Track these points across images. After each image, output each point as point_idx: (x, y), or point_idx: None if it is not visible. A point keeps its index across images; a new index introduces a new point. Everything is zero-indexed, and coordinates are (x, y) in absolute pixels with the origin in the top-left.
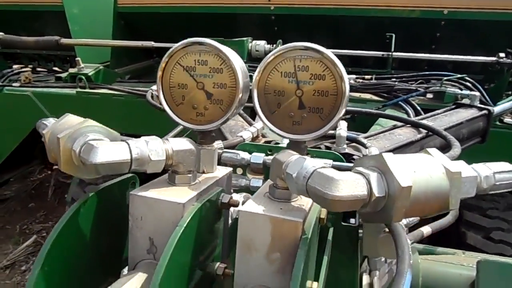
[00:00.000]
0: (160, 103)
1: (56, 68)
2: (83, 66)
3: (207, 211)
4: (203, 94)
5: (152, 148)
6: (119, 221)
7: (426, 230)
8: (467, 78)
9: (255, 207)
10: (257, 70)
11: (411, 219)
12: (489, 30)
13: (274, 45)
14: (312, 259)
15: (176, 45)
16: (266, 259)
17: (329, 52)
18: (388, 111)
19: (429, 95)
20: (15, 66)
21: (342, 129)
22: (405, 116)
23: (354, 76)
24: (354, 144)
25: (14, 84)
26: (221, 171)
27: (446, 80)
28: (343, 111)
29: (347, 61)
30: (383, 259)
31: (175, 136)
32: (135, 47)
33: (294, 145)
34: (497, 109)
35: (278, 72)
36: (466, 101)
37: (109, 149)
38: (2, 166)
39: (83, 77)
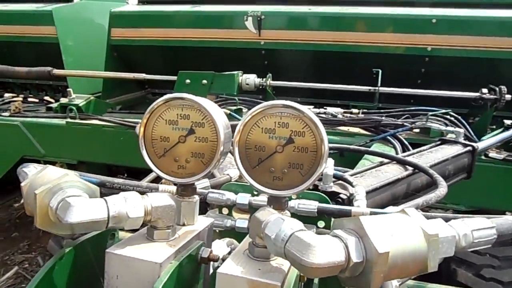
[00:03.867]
0: (142, 157)
1: (47, 98)
2: (74, 96)
3: (185, 268)
4: (185, 147)
5: (131, 205)
6: (96, 277)
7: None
8: (451, 113)
9: (233, 268)
10: (239, 125)
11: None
12: (472, 67)
13: (264, 79)
14: None
15: (158, 100)
16: None
17: (308, 111)
18: (376, 146)
19: (416, 130)
20: (6, 95)
21: (329, 167)
22: (392, 150)
23: (341, 110)
24: (340, 182)
25: (3, 114)
26: (202, 223)
27: (432, 115)
28: (323, 167)
29: (336, 95)
30: None
31: (152, 180)
32: (127, 78)
33: (274, 201)
34: (481, 145)
35: (259, 128)
36: (451, 136)
37: (86, 207)
38: None
39: (74, 108)
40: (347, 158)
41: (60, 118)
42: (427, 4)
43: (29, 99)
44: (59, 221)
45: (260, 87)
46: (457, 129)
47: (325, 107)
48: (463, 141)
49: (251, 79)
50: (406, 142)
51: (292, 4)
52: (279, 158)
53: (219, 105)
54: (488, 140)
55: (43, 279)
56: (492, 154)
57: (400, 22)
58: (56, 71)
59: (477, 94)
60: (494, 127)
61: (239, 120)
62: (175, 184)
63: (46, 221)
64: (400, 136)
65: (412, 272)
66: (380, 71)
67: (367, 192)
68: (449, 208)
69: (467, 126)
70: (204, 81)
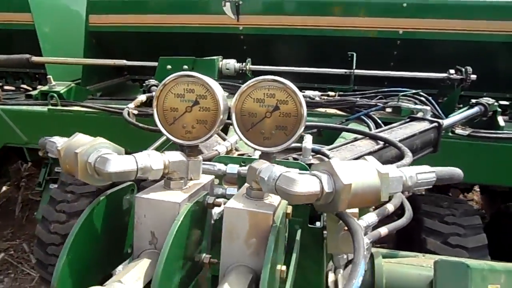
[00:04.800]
0: (155, 124)
1: (24, 86)
2: (55, 83)
3: (196, 210)
4: (191, 116)
5: (153, 160)
6: (121, 221)
7: (383, 230)
8: (421, 93)
9: (237, 204)
10: (235, 96)
11: (370, 221)
12: (441, 49)
13: (244, 63)
14: (281, 245)
15: (169, 77)
16: (245, 244)
17: (290, 84)
18: (351, 125)
19: (388, 110)
20: None
21: (308, 142)
22: (366, 129)
23: (319, 93)
24: (318, 155)
25: None
26: (205, 178)
27: (402, 95)
28: (302, 128)
29: (313, 78)
30: (345, 256)
31: (156, 149)
32: (108, 65)
33: (265, 156)
34: (446, 121)
35: (251, 99)
36: (420, 114)
37: (120, 160)
38: None
39: (55, 95)
40: (325, 137)
41: (41, 106)
42: None
43: (6, 87)
44: (97, 174)
45: (240, 71)
46: (425, 107)
47: (303, 91)
48: (430, 118)
49: (231, 64)
50: (379, 121)
51: None
52: (268, 122)
53: None
54: (453, 118)
55: (87, 218)
56: (458, 130)
57: (373, 6)
58: (35, 58)
59: (445, 74)
60: (461, 106)
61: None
62: (182, 146)
63: (85, 174)
64: (373, 116)
65: (370, 202)
66: (355, 54)
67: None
68: None
69: (435, 105)
70: (185, 67)
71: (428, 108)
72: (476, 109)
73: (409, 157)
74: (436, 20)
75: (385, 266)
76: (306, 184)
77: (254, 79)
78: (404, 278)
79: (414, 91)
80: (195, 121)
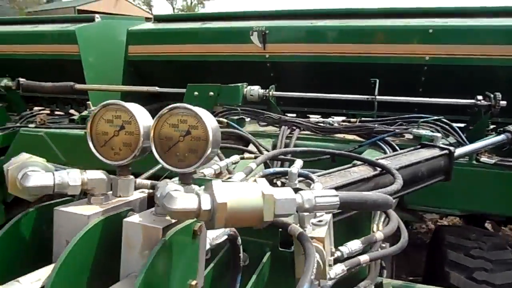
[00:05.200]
0: (152, 152)
1: (72, 111)
2: (93, 108)
3: (110, 224)
4: (118, 139)
5: (71, 177)
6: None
7: (364, 258)
8: (443, 119)
9: (135, 218)
10: (153, 122)
11: (353, 248)
12: (469, 75)
13: (267, 90)
14: (182, 259)
15: (164, 109)
16: (140, 255)
17: (200, 110)
18: (368, 151)
19: (409, 136)
20: (35, 108)
21: (295, 167)
22: (381, 155)
23: (340, 119)
24: (306, 180)
25: (30, 125)
26: (136, 195)
27: (423, 121)
28: (209, 150)
29: (339, 104)
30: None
31: (151, 175)
32: (142, 91)
33: (182, 176)
34: (459, 150)
35: (167, 124)
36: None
37: (38, 177)
38: None
39: None
40: (339, 163)
41: (80, 129)
42: (424, 15)
43: (56, 112)
44: (21, 188)
45: (264, 97)
46: (436, 134)
47: (332, 116)
48: (441, 145)
49: (255, 90)
50: (396, 147)
51: (295, 19)
52: (181, 145)
53: (223, 116)
54: (469, 146)
55: (10, 230)
56: (484, 158)
57: (398, 33)
58: (78, 86)
59: (472, 101)
60: (494, 133)
61: (238, 129)
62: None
63: (15, 189)
64: (391, 142)
65: (250, 221)
66: (378, 81)
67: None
68: (442, 212)
69: (459, 132)
70: (211, 93)
71: (438, 135)
72: (502, 136)
73: (398, 183)
74: (463, 46)
75: None
76: (184, 201)
77: (169, 106)
78: None
79: (435, 117)
80: (121, 144)
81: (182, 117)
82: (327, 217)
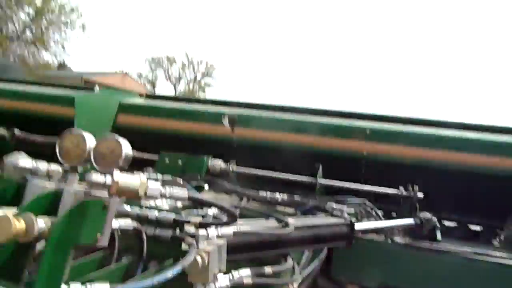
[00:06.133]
0: None
1: None
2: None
3: None
4: None
5: None
6: None
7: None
8: (367, 202)
9: None
10: None
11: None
12: (398, 170)
13: (228, 164)
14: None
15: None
16: None
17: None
18: None
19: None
20: None
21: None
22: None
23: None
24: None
25: None
26: None
27: (349, 202)
28: None
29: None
30: None
31: None
32: None
33: None
34: (360, 224)
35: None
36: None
37: None
38: None
39: None
40: None
41: None
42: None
43: None
44: None
45: (225, 171)
46: (342, 206)
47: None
48: (345, 216)
49: (217, 164)
50: None
51: (264, 109)
52: None
53: (186, 181)
54: (370, 223)
55: None
56: (396, 238)
57: (338, 129)
58: None
59: (395, 191)
60: None
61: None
62: None
63: None
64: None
65: None
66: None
67: None
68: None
69: (378, 214)
70: (179, 161)
71: (344, 208)
72: (410, 220)
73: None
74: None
75: None
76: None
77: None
78: None
79: (360, 199)
80: None
81: None
82: (220, 242)
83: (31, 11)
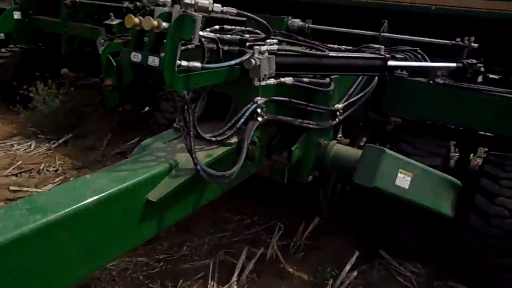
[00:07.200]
0: None
1: None
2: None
3: None
4: None
5: None
6: None
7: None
8: (419, 51)
9: None
10: None
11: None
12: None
13: (304, 22)
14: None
15: None
16: None
17: None
18: None
19: None
20: None
21: None
22: None
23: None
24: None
25: None
26: None
27: (400, 49)
28: None
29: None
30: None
31: None
32: None
33: None
34: (392, 61)
35: None
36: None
37: None
38: None
39: None
40: None
41: None
42: None
43: None
44: None
45: (302, 29)
46: (381, 46)
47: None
48: (381, 52)
49: (296, 21)
50: None
51: None
52: None
53: None
54: (400, 62)
55: None
56: (437, 79)
57: None
58: None
59: (452, 41)
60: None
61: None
62: None
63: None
64: None
65: None
66: (386, 21)
67: None
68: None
69: (427, 59)
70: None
71: (382, 47)
72: (453, 64)
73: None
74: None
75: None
76: None
77: None
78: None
79: (411, 48)
80: None
81: None
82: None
83: None
